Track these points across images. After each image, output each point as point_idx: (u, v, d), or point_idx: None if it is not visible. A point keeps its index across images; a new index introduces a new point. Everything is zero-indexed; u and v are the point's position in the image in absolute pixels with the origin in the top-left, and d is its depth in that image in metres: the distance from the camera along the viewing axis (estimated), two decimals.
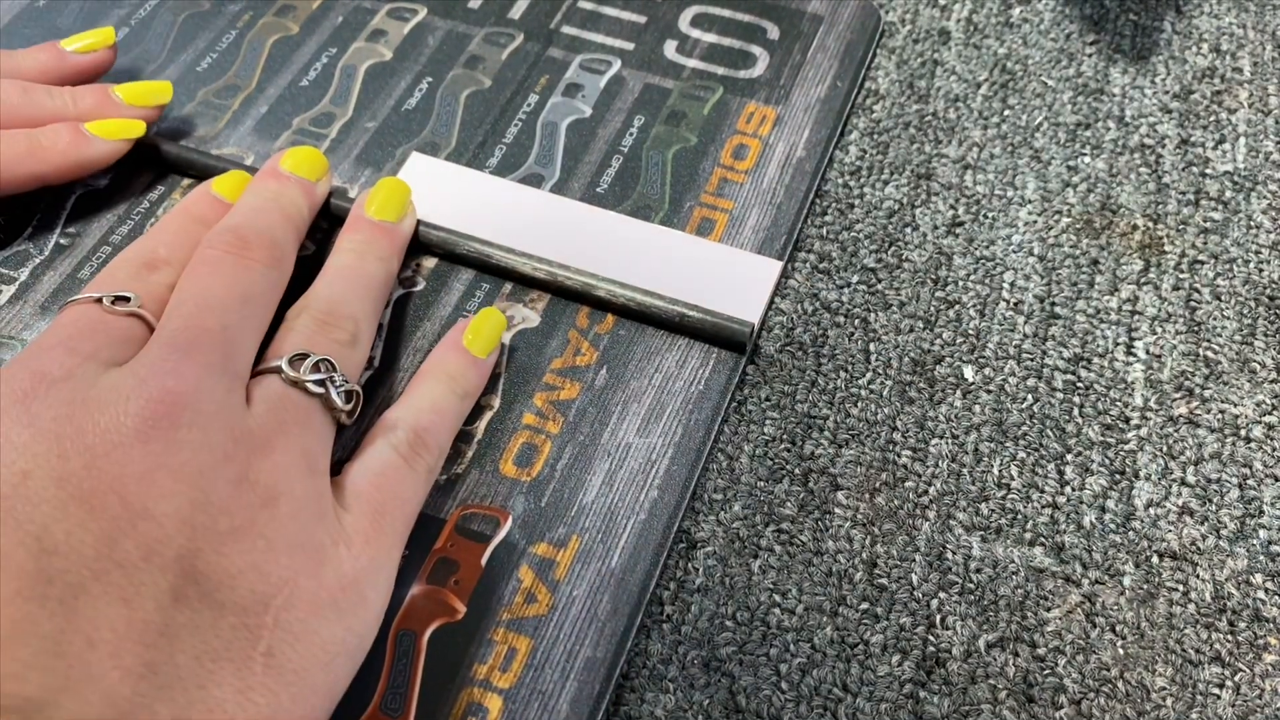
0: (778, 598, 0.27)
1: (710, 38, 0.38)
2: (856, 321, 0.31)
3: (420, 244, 0.32)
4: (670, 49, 0.37)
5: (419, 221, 0.32)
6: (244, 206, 0.29)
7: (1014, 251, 0.33)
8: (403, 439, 0.26)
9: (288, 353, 0.26)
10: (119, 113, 0.33)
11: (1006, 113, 0.36)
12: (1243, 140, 0.35)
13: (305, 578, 0.22)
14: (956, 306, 0.32)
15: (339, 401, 0.26)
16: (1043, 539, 0.27)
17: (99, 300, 0.26)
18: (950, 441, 0.29)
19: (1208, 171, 0.34)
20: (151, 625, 0.20)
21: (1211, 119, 0.36)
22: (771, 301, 0.32)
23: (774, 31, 0.38)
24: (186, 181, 0.34)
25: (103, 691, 0.19)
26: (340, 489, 0.25)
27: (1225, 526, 0.28)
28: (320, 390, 0.25)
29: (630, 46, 0.37)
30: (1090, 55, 0.38)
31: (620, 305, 0.30)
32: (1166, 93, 0.36)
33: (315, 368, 0.25)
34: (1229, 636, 0.26)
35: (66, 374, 0.23)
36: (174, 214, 0.30)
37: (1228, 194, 0.34)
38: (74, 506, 0.21)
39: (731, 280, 0.31)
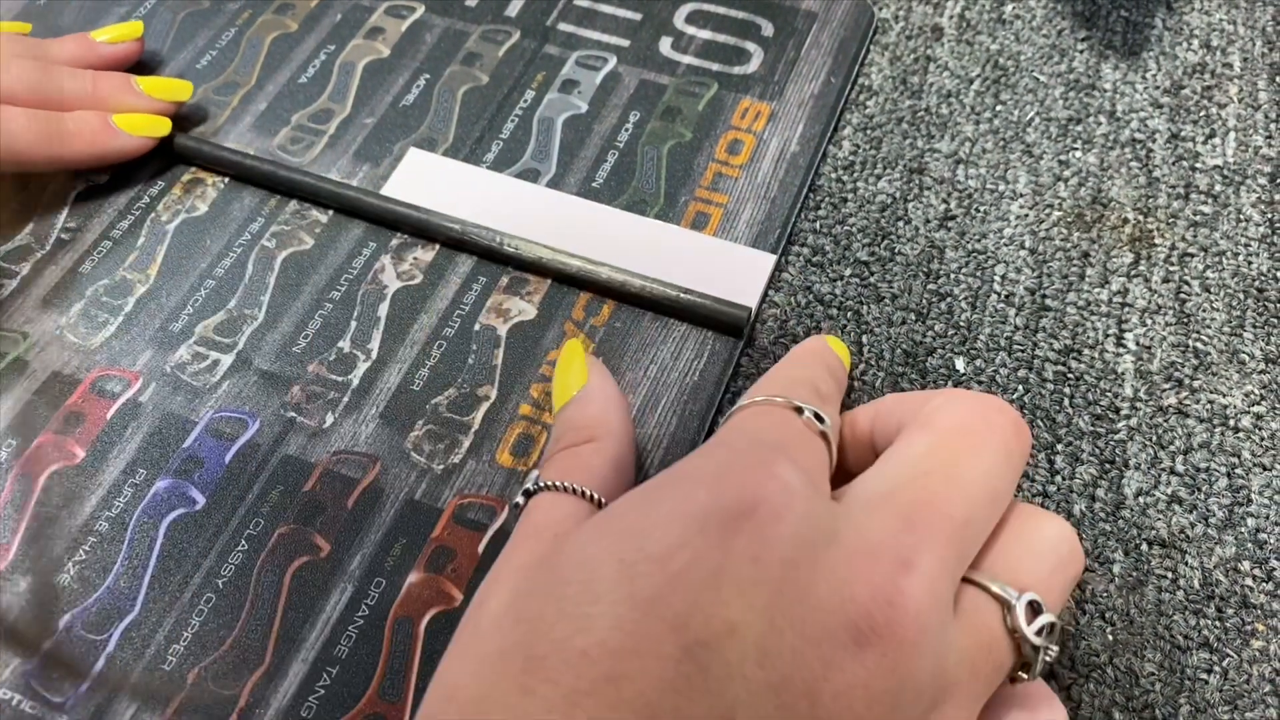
0: None
1: (705, 34, 0.38)
2: (849, 314, 0.32)
3: (424, 233, 0.33)
4: (665, 45, 0.38)
5: (427, 211, 0.32)
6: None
7: (1005, 245, 0.33)
8: None
9: (1025, 588, 0.20)
10: (137, 101, 0.34)
11: (999, 108, 0.36)
12: (1232, 135, 0.35)
13: None
14: (948, 299, 0.32)
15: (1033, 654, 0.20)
16: None
17: (799, 410, 0.21)
18: None
19: (1198, 166, 0.35)
20: None
21: (1201, 114, 0.36)
22: (766, 294, 0.32)
23: (768, 28, 0.38)
24: (187, 176, 0.34)
25: None
26: None
27: (1214, 515, 0.28)
28: (1034, 654, 0.20)
29: (626, 43, 0.38)
30: (1082, 51, 0.38)
31: (621, 288, 0.31)
32: (1157, 88, 0.37)
33: (1043, 631, 0.20)
34: (1217, 623, 0.26)
35: (796, 502, 0.18)
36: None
37: (1217, 188, 0.34)
38: (766, 698, 0.17)
39: (726, 271, 0.32)
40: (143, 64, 0.37)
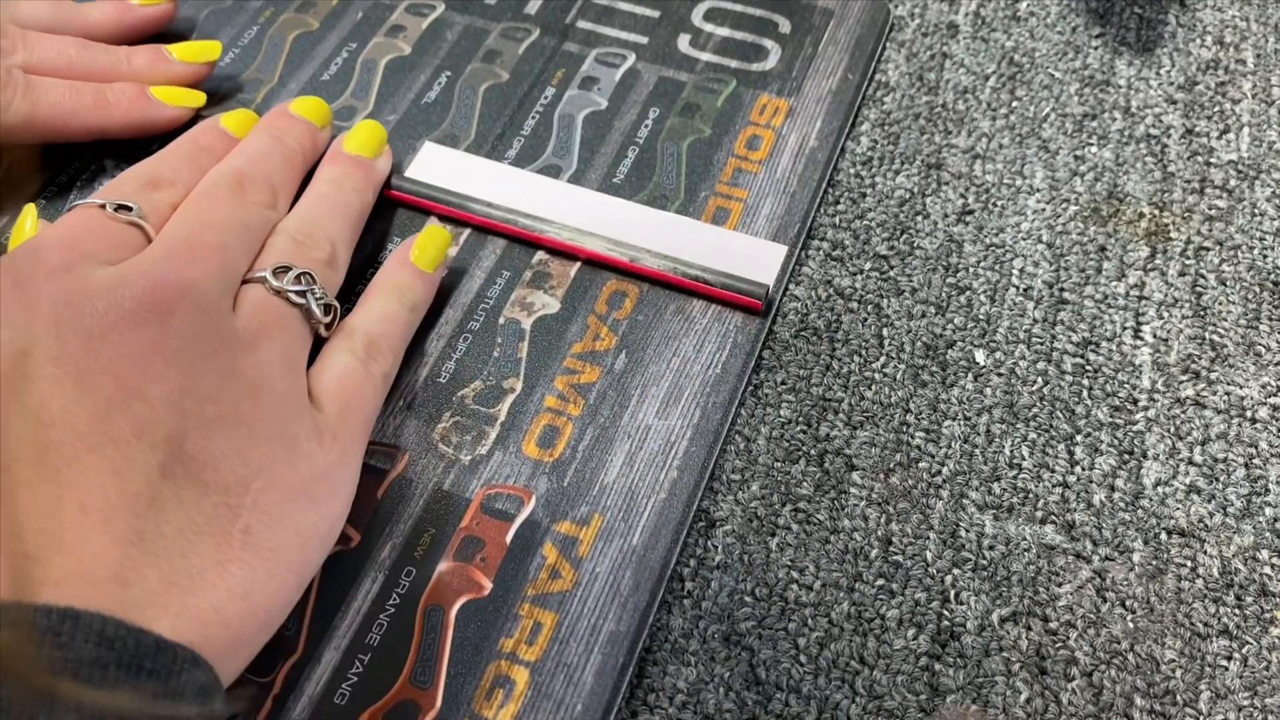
0: (795, 574, 0.27)
1: (723, 31, 0.38)
2: (870, 307, 0.32)
3: (452, 219, 0.33)
4: (684, 43, 0.38)
5: (454, 193, 0.33)
6: (250, 149, 0.31)
7: (1023, 239, 0.33)
8: (360, 345, 0.28)
9: (270, 265, 0.27)
10: (171, 69, 0.35)
11: (1014, 104, 0.37)
12: (1246, 130, 0.36)
13: (282, 466, 0.24)
14: (967, 292, 0.32)
15: (318, 312, 0.27)
16: (1054, 517, 0.28)
17: (103, 206, 0.27)
18: (962, 423, 0.30)
19: (1212, 160, 0.35)
20: (141, 497, 0.22)
21: (1216, 109, 0.36)
22: (786, 285, 0.32)
23: (785, 25, 0.38)
24: None
25: (94, 553, 0.21)
26: (309, 392, 0.26)
27: (1232, 504, 0.28)
28: (301, 300, 0.27)
29: (644, 41, 0.38)
30: (1096, 48, 0.38)
31: (641, 268, 0.31)
32: (1171, 84, 0.37)
33: (296, 280, 0.27)
34: (1236, 610, 0.27)
35: (66, 266, 0.24)
36: (182, 141, 0.31)
37: (1232, 182, 0.34)
38: (70, 384, 0.22)
39: (741, 260, 0.32)
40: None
